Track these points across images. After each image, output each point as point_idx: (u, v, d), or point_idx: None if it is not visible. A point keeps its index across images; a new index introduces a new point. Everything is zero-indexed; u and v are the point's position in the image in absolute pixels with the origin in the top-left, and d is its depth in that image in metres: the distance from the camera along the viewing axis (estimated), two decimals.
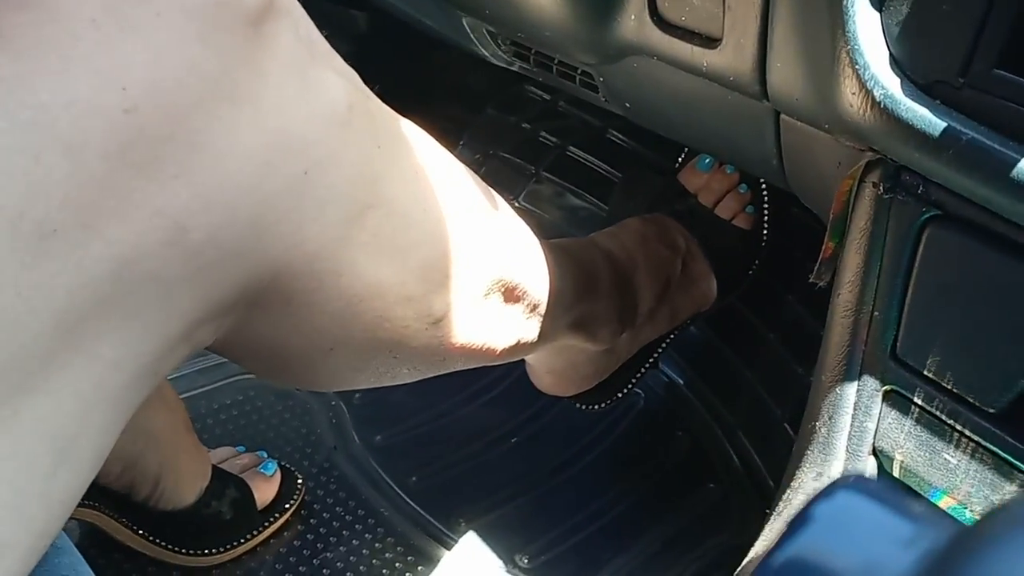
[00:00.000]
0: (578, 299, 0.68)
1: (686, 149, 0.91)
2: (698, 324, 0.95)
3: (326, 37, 0.41)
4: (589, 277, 0.71)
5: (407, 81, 1.11)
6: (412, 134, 0.48)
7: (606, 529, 0.85)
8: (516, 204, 1.06)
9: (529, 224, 1.05)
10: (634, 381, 0.85)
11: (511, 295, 0.57)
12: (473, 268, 0.51)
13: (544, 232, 1.05)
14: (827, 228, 0.54)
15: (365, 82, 0.43)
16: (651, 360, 0.86)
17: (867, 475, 0.47)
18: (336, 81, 0.40)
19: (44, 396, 0.32)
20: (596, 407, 0.85)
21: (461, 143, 1.11)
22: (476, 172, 1.16)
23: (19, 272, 0.30)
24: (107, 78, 0.31)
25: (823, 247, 0.55)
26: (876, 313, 0.47)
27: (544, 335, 0.64)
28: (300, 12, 0.39)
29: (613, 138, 1.05)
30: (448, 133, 1.11)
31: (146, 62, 0.32)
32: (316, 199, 0.39)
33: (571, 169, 1.06)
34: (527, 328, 0.61)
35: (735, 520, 0.85)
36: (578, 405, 0.85)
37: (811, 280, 0.56)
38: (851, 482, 0.17)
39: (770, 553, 0.16)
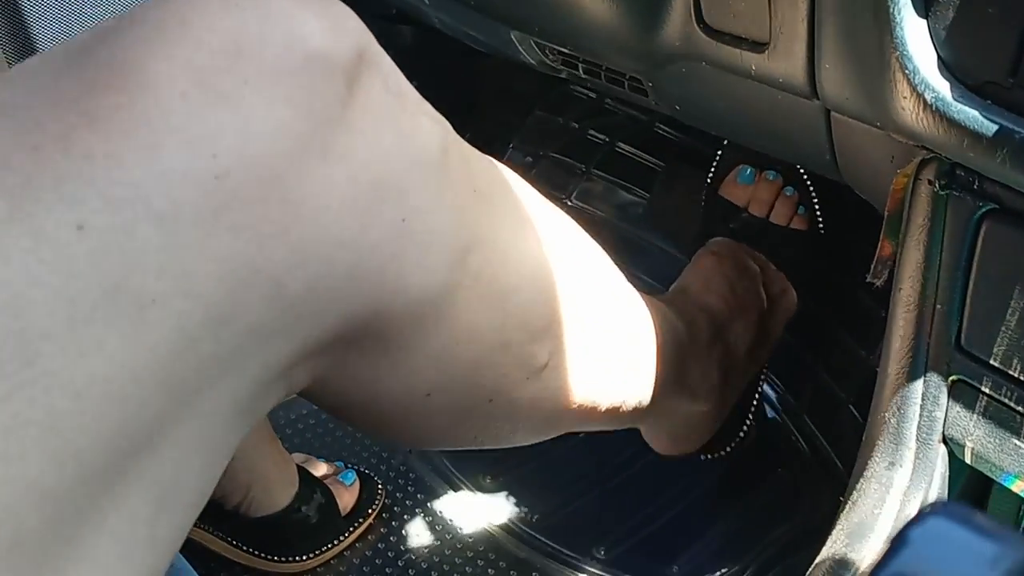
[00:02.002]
0: (680, 355, 0.67)
1: (715, 162, 0.90)
2: None
3: None
4: (689, 333, 0.69)
5: (455, 89, 1.14)
6: (508, 178, 0.48)
7: (678, 519, 0.87)
8: (568, 203, 1.08)
9: (581, 222, 1.07)
10: (750, 417, 0.85)
11: (617, 347, 0.56)
12: (573, 317, 0.51)
13: (597, 229, 1.08)
14: (883, 226, 0.55)
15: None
16: (759, 390, 0.85)
17: (939, 463, 0.49)
18: (429, 126, 0.40)
19: (150, 454, 0.33)
20: (720, 454, 0.85)
21: (511, 146, 1.13)
22: (527, 174, 1.18)
23: (120, 344, 0.31)
24: (198, 147, 0.32)
25: (879, 246, 0.56)
26: (939, 306, 0.49)
27: (650, 395, 0.62)
28: (389, 64, 0.40)
29: (660, 131, 1.07)
30: (498, 137, 1.14)
31: (236, 129, 0.33)
32: (416, 245, 0.39)
33: (620, 165, 1.07)
34: (632, 386, 0.60)
35: (806, 505, 0.87)
36: (702, 456, 0.85)
37: (868, 280, 0.58)
38: (939, 508, 0.19)
39: (873, 572, 0.18)
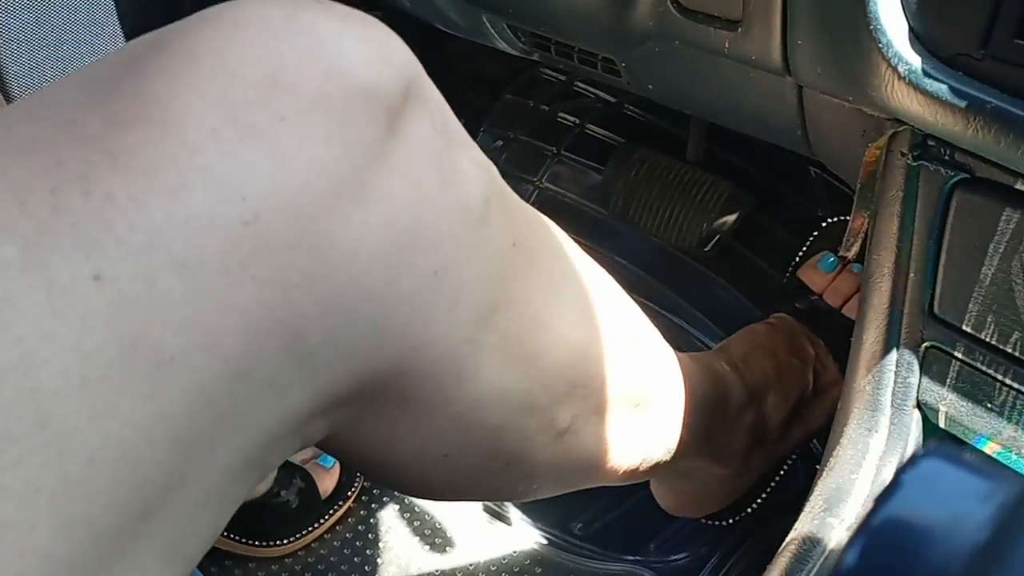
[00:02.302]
0: (708, 417, 0.64)
1: (804, 248, 0.89)
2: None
3: None
4: (720, 395, 0.66)
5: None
6: (549, 231, 0.45)
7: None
8: (538, 186, 1.09)
9: (552, 205, 1.07)
10: (764, 496, 0.83)
11: (640, 407, 0.53)
12: (603, 379, 0.48)
13: (568, 211, 1.09)
14: (855, 198, 0.56)
15: None
16: (782, 473, 0.83)
17: (913, 427, 0.50)
18: (474, 173, 0.38)
19: (162, 515, 0.31)
20: (724, 523, 0.83)
21: (481, 130, 1.13)
22: (498, 157, 1.18)
23: (135, 404, 0.29)
24: (227, 189, 0.30)
25: (851, 219, 0.57)
26: (912, 275, 0.50)
27: (671, 456, 0.60)
28: (436, 97, 0.37)
29: (630, 113, 1.08)
30: (468, 121, 1.14)
31: (268, 170, 0.31)
32: (446, 299, 0.37)
33: (591, 147, 1.08)
34: (655, 446, 0.57)
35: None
36: (704, 520, 0.83)
37: (841, 253, 0.59)
38: (931, 449, 0.20)
39: (868, 516, 0.19)
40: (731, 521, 0.83)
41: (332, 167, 0.32)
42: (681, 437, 0.60)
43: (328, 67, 0.32)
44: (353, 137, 0.32)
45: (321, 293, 0.32)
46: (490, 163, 0.41)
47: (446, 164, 0.36)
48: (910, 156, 0.49)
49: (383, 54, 0.34)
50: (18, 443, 0.27)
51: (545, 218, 0.46)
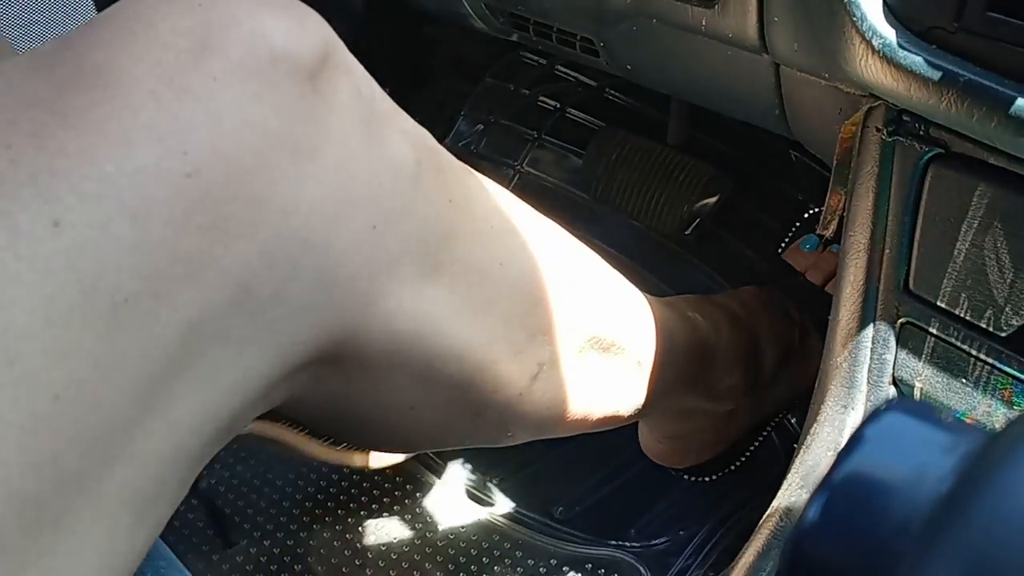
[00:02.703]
0: (694, 354, 0.66)
1: (793, 230, 0.90)
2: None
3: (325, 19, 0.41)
4: (707, 332, 0.68)
5: (405, 58, 1.13)
6: (488, 189, 0.48)
7: (637, 479, 0.88)
8: (519, 170, 1.09)
9: (533, 189, 1.07)
10: (747, 455, 0.84)
11: (610, 351, 0.55)
12: (562, 325, 0.50)
13: (549, 195, 1.08)
14: (831, 175, 0.56)
15: (366, 63, 0.43)
16: (763, 435, 0.84)
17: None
18: (401, 138, 0.40)
19: (127, 462, 0.33)
20: (706, 479, 0.84)
21: (462, 114, 1.13)
22: (478, 142, 1.18)
23: (94, 344, 0.31)
24: (168, 145, 0.32)
25: (828, 197, 0.57)
26: (888, 251, 0.50)
27: (655, 394, 0.61)
28: (361, 72, 0.40)
29: (610, 97, 1.07)
30: (448, 105, 1.13)
31: (206, 125, 0.33)
32: (387, 253, 0.39)
33: (571, 131, 1.08)
34: (631, 387, 0.59)
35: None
36: (686, 477, 0.84)
37: (818, 232, 0.59)
38: (894, 404, 0.20)
39: (830, 471, 0.19)
40: (713, 478, 0.84)
41: (263, 124, 0.34)
42: (664, 377, 0.62)
43: (251, 34, 0.35)
44: (280, 96, 0.35)
45: (264, 244, 0.34)
46: (422, 129, 0.43)
47: (374, 127, 0.39)
48: (885, 132, 0.49)
49: (299, 23, 0.37)
50: None
51: (483, 178, 0.48)
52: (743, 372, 0.73)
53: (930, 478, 0.18)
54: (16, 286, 0.29)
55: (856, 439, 0.19)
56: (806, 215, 0.91)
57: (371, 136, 0.39)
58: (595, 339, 0.54)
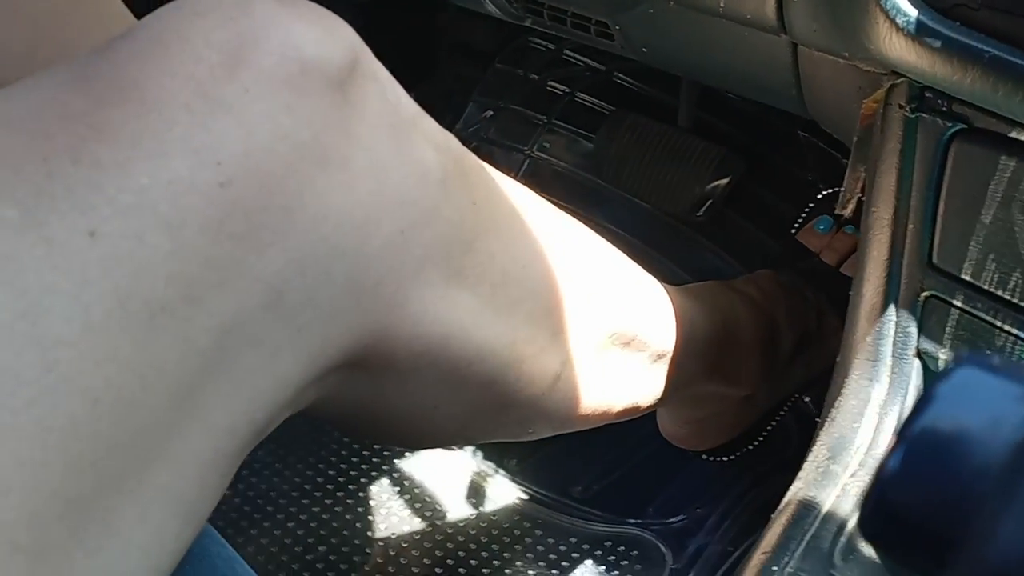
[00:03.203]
0: (714, 342, 0.67)
1: (806, 212, 0.91)
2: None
3: (332, 8, 0.41)
4: (726, 320, 0.69)
5: (414, 44, 1.14)
6: (509, 189, 0.48)
7: (654, 457, 0.89)
8: (529, 155, 1.09)
9: (544, 173, 1.08)
10: (766, 434, 0.84)
11: (631, 345, 0.56)
12: (584, 322, 0.51)
13: (560, 179, 1.09)
14: (852, 153, 0.57)
15: (374, 51, 0.43)
16: (781, 414, 0.85)
17: (913, 376, 0.51)
18: (426, 143, 0.41)
19: (167, 465, 0.34)
20: (725, 459, 0.85)
21: (471, 101, 1.13)
22: (488, 127, 1.18)
23: (132, 351, 0.31)
24: (202, 156, 0.33)
25: (848, 175, 0.58)
26: (911, 226, 0.51)
27: (676, 384, 0.62)
28: (387, 77, 0.41)
29: (620, 80, 1.08)
30: (458, 91, 1.14)
31: (238, 136, 0.34)
32: (414, 258, 0.40)
33: (581, 115, 1.08)
34: (652, 379, 0.60)
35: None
36: (705, 457, 0.85)
37: (837, 211, 0.60)
38: (966, 358, 0.21)
39: (906, 424, 0.20)
40: (732, 457, 0.85)
41: (294, 134, 0.35)
42: (685, 367, 0.62)
43: (282, 43, 0.36)
44: (310, 106, 0.36)
45: (294, 251, 0.35)
46: (447, 132, 0.44)
47: (401, 133, 0.40)
48: (908, 108, 0.50)
49: (328, 32, 0.37)
50: (29, 386, 0.29)
51: (506, 178, 0.49)
52: (762, 357, 0.73)
53: (1005, 426, 0.18)
54: (54, 295, 0.30)
55: (929, 394, 0.20)
56: (819, 196, 0.91)
57: (398, 142, 0.39)
58: (616, 335, 0.55)
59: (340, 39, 0.38)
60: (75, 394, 0.30)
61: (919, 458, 0.19)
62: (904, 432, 0.20)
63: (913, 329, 0.51)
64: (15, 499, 0.29)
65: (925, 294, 0.51)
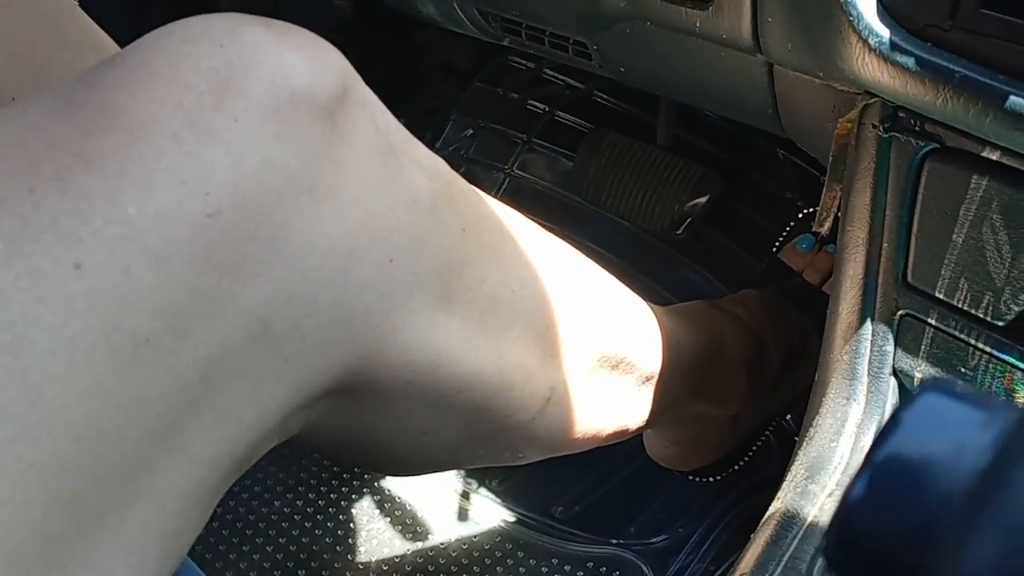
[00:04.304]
0: (701, 363, 0.67)
1: (787, 230, 0.92)
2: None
3: (312, 28, 0.40)
4: (713, 340, 0.69)
5: (394, 63, 1.14)
6: (498, 213, 0.48)
7: (634, 477, 0.89)
8: (509, 174, 1.09)
9: (524, 192, 1.08)
10: (750, 454, 0.85)
11: (620, 368, 0.56)
12: (573, 346, 0.50)
13: (540, 198, 1.09)
14: (827, 172, 0.57)
15: (356, 69, 0.43)
16: (766, 434, 0.85)
17: (890, 395, 0.51)
18: (416, 169, 0.41)
19: (149, 499, 0.33)
20: (710, 480, 0.85)
21: (452, 119, 1.14)
22: (468, 146, 1.18)
23: (116, 384, 0.31)
24: (190, 186, 0.32)
25: (824, 194, 0.58)
26: (886, 244, 0.51)
27: (663, 405, 0.62)
28: (376, 103, 0.40)
29: (599, 99, 1.08)
30: (437, 110, 1.14)
31: (226, 166, 0.33)
32: (403, 285, 0.39)
33: (561, 134, 1.09)
34: (640, 401, 0.60)
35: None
36: (691, 478, 0.85)
37: (814, 229, 0.60)
38: (929, 385, 0.21)
39: (871, 451, 0.20)
40: (717, 478, 0.84)
41: (283, 163, 0.35)
42: (672, 388, 0.62)
43: (272, 72, 0.35)
44: (300, 135, 0.35)
45: (281, 282, 0.35)
46: (436, 158, 0.44)
47: (390, 160, 0.39)
48: (881, 128, 0.50)
49: (319, 60, 0.37)
50: (12, 421, 0.29)
51: (495, 202, 0.49)
52: (748, 377, 0.73)
53: (969, 453, 0.18)
54: (38, 328, 0.29)
55: (894, 420, 0.20)
56: (800, 215, 0.92)
57: (388, 169, 0.39)
58: (605, 358, 0.54)
59: (330, 67, 0.37)
60: (58, 429, 0.30)
61: (884, 485, 0.19)
62: (869, 458, 0.20)
63: (889, 347, 0.51)
64: None
65: (900, 312, 0.51)
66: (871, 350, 0.52)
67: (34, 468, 0.29)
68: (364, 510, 0.88)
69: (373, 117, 0.39)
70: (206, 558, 0.84)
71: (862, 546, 0.18)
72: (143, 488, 0.33)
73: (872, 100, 0.51)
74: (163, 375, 0.32)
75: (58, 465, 0.30)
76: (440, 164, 0.44)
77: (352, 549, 0.86)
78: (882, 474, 0.19)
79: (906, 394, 0.52)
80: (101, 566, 0.32)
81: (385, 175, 0.39)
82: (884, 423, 0.49)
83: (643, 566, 0.83)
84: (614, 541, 0.85)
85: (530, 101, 1.11)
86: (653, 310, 0.61)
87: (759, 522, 0.52)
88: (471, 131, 1.13)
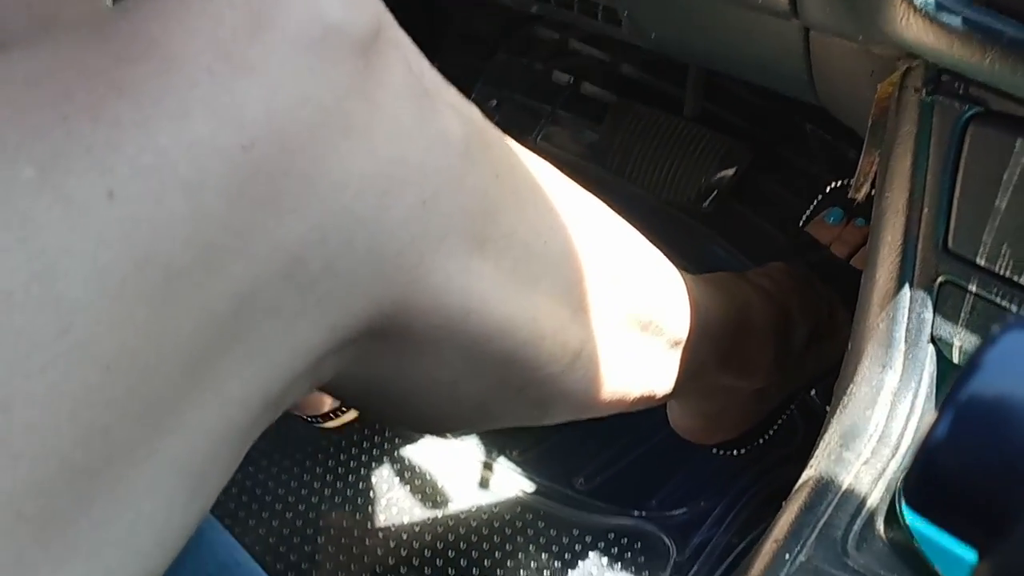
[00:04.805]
0: (728, 332, 0.66)
1: (814, 203, 0.91)
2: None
3: None
4: (741, 310, 0.68)
5: (417, 35, 1.13)
6: (532, 164, 0.48)
7: (656, 449, 0.89)
8: (533, 145, 1.09)
9: (550, 163, 1.07)
10: (774, 429, 0.84)
11: (649, 329, 0.55)
12: (604, 301, 0.50)
13: (564, 169, 1.08)
14: (866, 138, 0.56)
15: None
16: (790, 409, 0.84)
17: (927, 363, 0.50)
18: (450, 112, 0.40)
19: (178, 435, 0.33)
20: (734, 453, 0.85)
21: (475, 90, 1.13)
22: (492, 117, 1.18)
23: (147, 316, 0.30)
24: (224, 118, 0.32)
25: (861, 160, 0.57)
26: (926, 210, 0.50)
27: (689, 373, 0.62)
28: (410, 45, 0.40)
29: (625, 71, 1.07)
30: (461, 81, 1.13)
31: (261, 99, 0.33)
32: (436, 228, 0.39)
33: (586, 105, 1.08)
34: (667, 366, 0.59)
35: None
36: (714, 451, 0.85)
37: (850, 195, 0.59)
38: (1010, 325, 0.20)
39: (953, 391, 0.19)
40: (741, 452, 0.84)
41: (317, 99, 0.34)
42: (699, 356, 0.62)
43: (305, 7, 0.35)
44: (334, 71, 0.35)
45: (315, 219, 0.35)
46: (470, 103, 0.43)
47: (424, 102, 0.39)
48: (924, 91, 0.49)
49: (353, 0, 0.36)
50: (43, 350, 0.29)
51: (528, 152, 0.48)
52: (775, 350, 0.73)
53: None
54: (70, 257, 0.29)
55: (975, 361, 0.20)
56: (828, 188, 0.91)
57: (421, 111, 0.38)
58: (635, 317, 0.54)
59: (364, 5, 0.37)
60: (89, 360, 0.29)
61: (967, 425, 0.18)
62: (951, 399, 0.19)
63: (928, 315, 0.51)
64: (23, 467, 0.28)
65: (940, 279, 0.50)
66: (909, 317, 0.51)
67: (64, 397, 0.29)
68: (384, 478, 0.88)
69: (407, 58, 0.39)
70: (225, 523, 0.84)
71: (944, 484, 0.18)
72: (172, 424, 0.32)
73: (915, 63, 0.50)
74: (195, 309, 0.32)
75: (88, 396, 0.29)
76: (474, 110, 0.43)
77: (372, 517, 0.86)
78: (965, 413, 0.19)
79: (944, 362, 0.51)
80: (128, 501, 0.32)
81: (419, 116, 0.38)
82: (923, 390, 0.48)
83: (664, 538, 0.83)
84: (636, 513, 0.85)
85: (555, 72, 1.10)
86: (682, 276, 0.61)
87: (783, 496, 0.52)
88: (495, 102, 1.12)
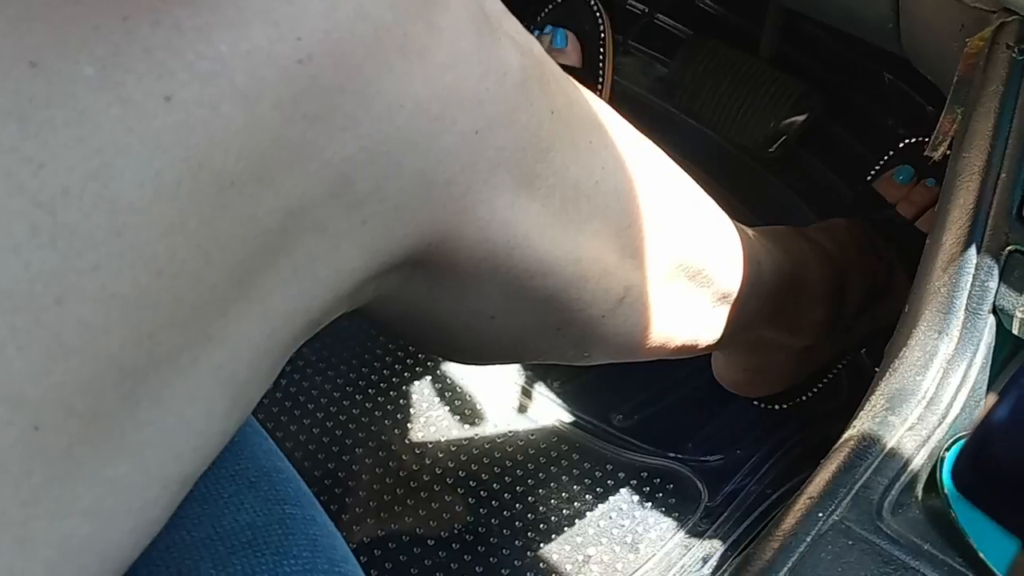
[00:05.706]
0: (780, 289, 0.65)
1: (884, 159, 0.88)
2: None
3: None
4: (796, 268, 0.67)
5: None
6: (589, 103, 0.47)
7: (697, 394, 0.88)
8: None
9: (615, 95, 1.05)
10: (821, 385, 0.83)
11: (697, 279, 0.55)
12: (653, 248, 0.49)
13: (630, 102, 1.06)
14: (949, 95, 0.54)
15: None
16: (838, 368, 0.83)
17: (986, 333, 0.49)
18: (509, 43, 0.40)
19: (222, 345, 0.33)
20: (775, 407, 0.84)
21: (542, 15, 1.10)
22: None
23: (198, 224, 0.31)
24: (282, 28, 0.32)
25: (942, 117, 0.55)
26: (1003, 175, 0.48)
27: (737, 326, 0.61)
28: None
29: (702, 5, 1.04)
30: (532, 4, 1.11)
31: (319, 12, 0.32)
32: (487, 160, 0.39)
33: (659, 38, 1.05)
34: (714, 317, 0.59)
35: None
36: (755, 403, 0.84)
37: (927, 153, 0.57)
38: None
39: (1015, 377, 0.18)
40: (785, 406, 0.83)
41: (377, 16, 0.34)
42: (748, 310, 0.61)
43: None
44: None
45: (367, 139, 0.34)
46: (530, 36, 0.42)
47: (484, 30, 0.38)
48: (1016, 49, 0.47)
49: None
50: (97, 248, 0.29)
51: (587, 91, 0.47)
52: (828, 309, 0.72)
53: None
54: (127, 158, 0.29)
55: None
56: (901, 144, 0.88)
57: (480, 39, 0.38)
58: (684, 266, 0.53)
59: None
60: (140, 262, 0.30)
61: None
62: (1015, 382, 0.18)
63: (992, 283, 0.49)
64: (74, 363, 0.29)
65: (1009, 248, 0.49)
66: (972, 284, 0.49)
67: (115, 298, 0.29)
68: (425, 396, 0.89)
69: None
70: (268, 426, 0.85)
71: (996, 471, 0.17)
72: (217, 332, 0.33)
73: (1010, 19, 0.48)
74: (244, 220, 0.32)
75: (138, 298, 0.30)
76: (534, 43, 0.42)
77: (410, 432, 0.87)
78: None
79: (1004, 333, 0.49)
80: (171, 406, 0.32)
81: (478, 44, 0.37)
82: (979, 360, 0.47)
83: (697, 482, 0.83)
84: (671, 455, 0.85)
85: (629, 2, 1.07)
86: (737, 228, 0.60)
87: (819, 452, 0.51)
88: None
